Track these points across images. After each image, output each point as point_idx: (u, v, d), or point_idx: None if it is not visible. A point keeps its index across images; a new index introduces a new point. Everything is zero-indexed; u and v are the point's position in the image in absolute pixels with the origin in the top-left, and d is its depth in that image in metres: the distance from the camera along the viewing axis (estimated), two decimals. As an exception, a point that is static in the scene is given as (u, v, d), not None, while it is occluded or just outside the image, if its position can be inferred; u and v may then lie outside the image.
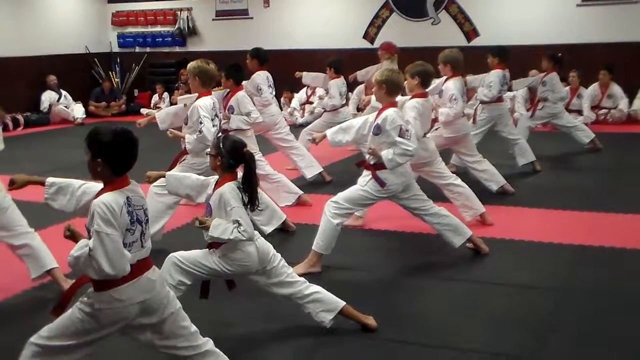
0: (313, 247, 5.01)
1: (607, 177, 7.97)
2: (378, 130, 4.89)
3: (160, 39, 15.73)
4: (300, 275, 4.59)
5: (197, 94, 5.57)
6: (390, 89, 4.94)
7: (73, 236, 2.83)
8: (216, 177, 3.89)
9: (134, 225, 2.83)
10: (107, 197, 2.79)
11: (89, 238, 2.77)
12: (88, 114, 14.40)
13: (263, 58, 7.77)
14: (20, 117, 13.26)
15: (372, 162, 4.95)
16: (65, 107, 13.96)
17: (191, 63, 5.57)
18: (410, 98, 5.69)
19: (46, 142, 11.91)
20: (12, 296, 4.71)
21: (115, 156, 2.83)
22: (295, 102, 12.98)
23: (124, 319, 2.88)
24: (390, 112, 4.88)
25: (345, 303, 3.99)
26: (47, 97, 13.84)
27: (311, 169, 7.79)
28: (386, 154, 4.80)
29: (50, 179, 3.23)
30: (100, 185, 2.92)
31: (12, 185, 3.35)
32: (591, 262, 5.21)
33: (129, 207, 2.81)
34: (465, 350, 3.80)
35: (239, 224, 3.65)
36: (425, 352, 3.82)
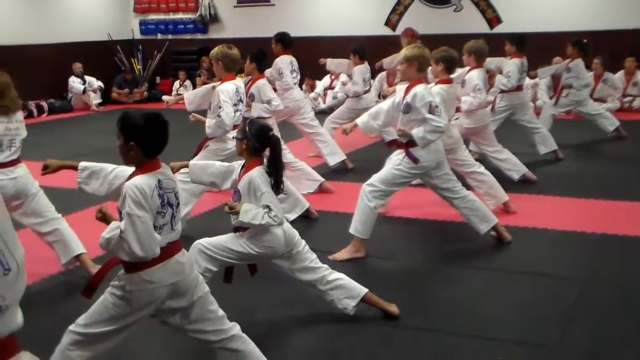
0: (352, 232, 5.01)
1: (631, 166, 7.89)
2: (407, 108, 4.87)
3: (182, 26, 15.78)
4: (344, 261, 4.64)
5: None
6: (421, 65, 4.93)
7: (105, 218, 2.88)
8: (241, 162, 3.91)
9: (165, 208, 2.86)
10: (139, 179, 2.82)
11: (121, 220, 2.81)
12: (110, 100, 14.54)
13: (287, 42, 7.79)
14: (44, 104, 13.40)
15: (403, 142, 4.94)
16: (93, 91, 14.13)
17: (214, 48, 5.59)
18: (435, 84, 5.68)
19: (70, 128, 12.04)
20: (39, 280, 4.77)
21: (147, 139, 2.86)
22: (319, 88, 12.98)
23: (154, 301, 2.91)
24: (419, 88, 4.85)
25: (368, 290, 4.01)
26: (77, 84, 13.93)
27: (334, 157, 7.79)
28: (417, 132, 4.80)
29: (83, 164, 3.27)
30: (131, 169, 2.95)
31: (46, 170, 3.42)
32: (614, 251, 5.19)
33: (160, 190, 2.84)
34: (489, 338, 3.81)
35: (270, 209, 3.67)
36: (449, 339, 3.83)
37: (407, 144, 4.90)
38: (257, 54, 6.71)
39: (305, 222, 5.80)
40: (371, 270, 4.86)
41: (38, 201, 4.68)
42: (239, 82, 5.63)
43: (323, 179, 6.88)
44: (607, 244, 5.31)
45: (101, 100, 14.30)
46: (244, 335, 3.16)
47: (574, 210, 6.22)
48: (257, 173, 3.74)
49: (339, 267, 4.28)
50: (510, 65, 7.66)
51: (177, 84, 14.95)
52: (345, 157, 7.87)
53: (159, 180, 2.85)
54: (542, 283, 4.60)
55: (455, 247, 5.36)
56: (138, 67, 15.76)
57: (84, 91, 13.95)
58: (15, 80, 4.53)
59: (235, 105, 5.42)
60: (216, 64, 5.53)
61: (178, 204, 2.97)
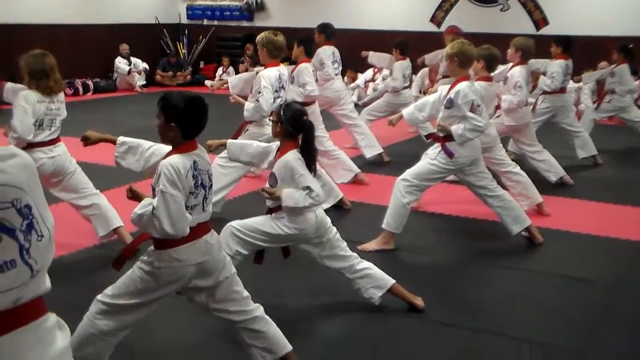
0: (384, 227, 5.05)
1: (671, 175, 7.77)
2: (450, 103, 4.90)
3: (229, 13, 15.92)
4: (373, 252, 4.71)
5: None
6: (462, 61, 4.94)
7: (136, 197, 2.94)
8: (277, 143, 3.93)
9: (198, 189, 2.92)
10: (175, 159, 2.88)
11: (154, 197, 2.87)
12: (154, 82, 14.78)
13: (330, 33, 7.79)
14: (90, 83, 13.70)
15: (441, 135, 4.96)
16: (138, 72, 14.42)
17: (260, 34, 5.66)
18: (475, 81, 5.66)
19: (113, 108, 12.27)
20: (75, 252, 4.90)
21: (187, 121, 2.92)
22: (360, 80, 12.99)
23: (181, 278, 2.98)
24: (463, 85, 4.87)
25: (395, 281, 4.04)
26: (123, 65, 14.21)
27: (371, 149, 7.81)
28: (456, 128, 4.82)
29: (121, 138, 3.36)
30: (168, 147, 3.01)
31: (86, 141, 3.52)
32: (648, 260, 5.13)
33: (195, 171, 2.90)
34: (511, 337, 3.81)
35: (311, 190, 3.69)
36: (471, 336, 3.84)
37: (444, 138, 4.92)
38: (305, 39, 6.91)
39: (337, 211, 5.84)
40: (399, 263, 4.88)
41: (77, 178, 4.83)
42: (283, 69, 5.68)
43: (359, 170, 6.91)
44: (640, 252, 5.26)
45: (145, 82, 14.61)
46: (267, 317, 3.21)
47: (608, 216, 6.15)
48: (293, 157, 3.75)
49: (368, 258, 4.30)
50: (555, 66, 7.55)
51: (220, 70, 15.10)
52: (382, 150, 7.88)
53: (194, 162, 2.91)
54: (571, 286, 4.57)
55: (485, 245, 5.35)
56: (183, 51, 15.94)
57: (129, 72, 14.23)
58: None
59: (276, 91, 5.47)
60: (261, 50, 5.60)
61: (211, 186, 3.03)
